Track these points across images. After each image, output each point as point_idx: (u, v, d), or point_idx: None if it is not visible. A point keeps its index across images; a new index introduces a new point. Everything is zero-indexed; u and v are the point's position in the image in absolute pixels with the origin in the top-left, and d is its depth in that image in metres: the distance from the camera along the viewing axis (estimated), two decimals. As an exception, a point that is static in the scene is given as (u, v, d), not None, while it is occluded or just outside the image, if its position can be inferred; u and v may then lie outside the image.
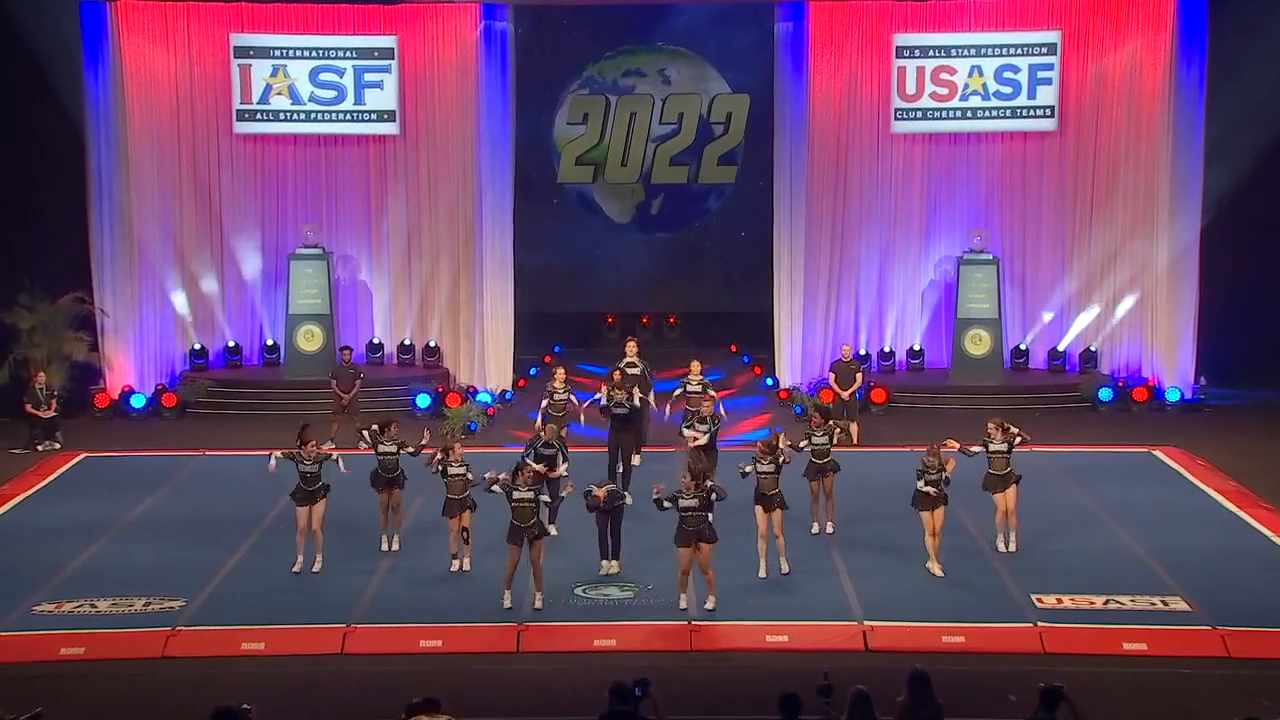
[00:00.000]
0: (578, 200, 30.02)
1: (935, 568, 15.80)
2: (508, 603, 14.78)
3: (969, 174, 26.74)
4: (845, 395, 22.07)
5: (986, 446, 16.69)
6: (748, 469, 15.86)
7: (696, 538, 14.69)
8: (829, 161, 26.35)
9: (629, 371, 20.71)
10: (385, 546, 17.00)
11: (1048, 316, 26.86)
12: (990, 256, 26.46)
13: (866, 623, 14.34)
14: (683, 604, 14.85)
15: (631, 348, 21.23)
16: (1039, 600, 14.96)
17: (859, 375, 22.78)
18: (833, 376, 22.80)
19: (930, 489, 15.74)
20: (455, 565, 16.11)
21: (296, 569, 16.11)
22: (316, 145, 26.92)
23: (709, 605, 14.74)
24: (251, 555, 16.82)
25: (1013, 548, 16.64)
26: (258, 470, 20.76)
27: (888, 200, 26.68)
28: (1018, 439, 16.74)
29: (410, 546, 16.88)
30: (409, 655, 13.89)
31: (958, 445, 16.59)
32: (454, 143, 26.38)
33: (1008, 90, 26.20)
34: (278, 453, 16.36)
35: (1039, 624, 14.28)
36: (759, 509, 15.87)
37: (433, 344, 26.97)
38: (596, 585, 15.45)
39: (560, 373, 20.16)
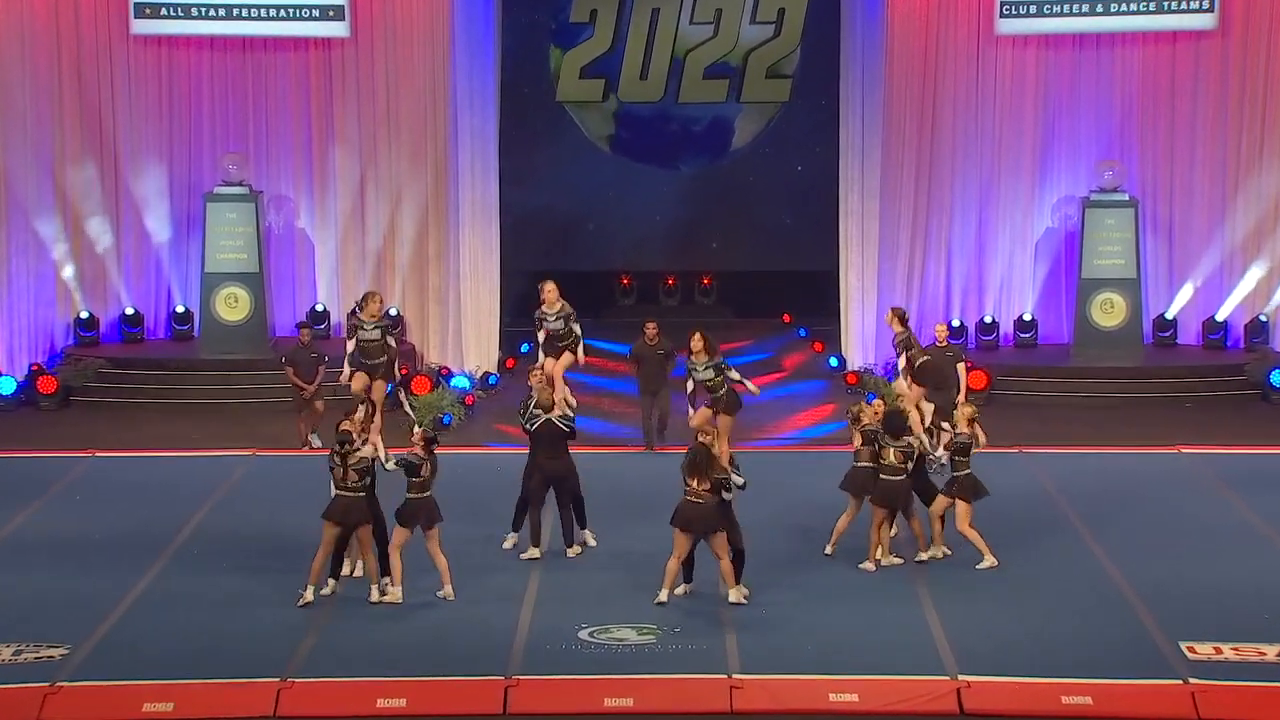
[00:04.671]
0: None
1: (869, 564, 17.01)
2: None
3: (1098, 88, 26.67)
4: (959, 401, 18.86)
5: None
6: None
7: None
8: (912, 74, 26.31)
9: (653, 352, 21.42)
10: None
11: (1197, 281, 26.79)
12: (1126, 197, 26.41)
13: (961, 677, 14.31)
14: (732, 598, 15.85)
15: (651, 330, 21.78)
16: (1191, 650, 14.90)
17: (960, 367, 20.13)
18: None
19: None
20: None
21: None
22: (240, 51, 26.91)
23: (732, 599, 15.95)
24: (157, 587, 16.79)
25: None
26: (165, 476, 20.88)
27: (990, 124, 26.67)
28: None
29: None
30: (363, 718, 13.84)
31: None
32: (420, 48, 26.36)
33: (1151, -23, 26.15)
34: None
35: (1191, 681, 14.22)
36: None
37: (394, 312, 26.89)
38: (607, 628, 15.43)
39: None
